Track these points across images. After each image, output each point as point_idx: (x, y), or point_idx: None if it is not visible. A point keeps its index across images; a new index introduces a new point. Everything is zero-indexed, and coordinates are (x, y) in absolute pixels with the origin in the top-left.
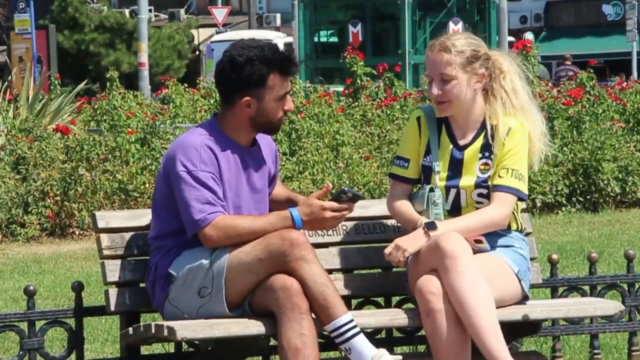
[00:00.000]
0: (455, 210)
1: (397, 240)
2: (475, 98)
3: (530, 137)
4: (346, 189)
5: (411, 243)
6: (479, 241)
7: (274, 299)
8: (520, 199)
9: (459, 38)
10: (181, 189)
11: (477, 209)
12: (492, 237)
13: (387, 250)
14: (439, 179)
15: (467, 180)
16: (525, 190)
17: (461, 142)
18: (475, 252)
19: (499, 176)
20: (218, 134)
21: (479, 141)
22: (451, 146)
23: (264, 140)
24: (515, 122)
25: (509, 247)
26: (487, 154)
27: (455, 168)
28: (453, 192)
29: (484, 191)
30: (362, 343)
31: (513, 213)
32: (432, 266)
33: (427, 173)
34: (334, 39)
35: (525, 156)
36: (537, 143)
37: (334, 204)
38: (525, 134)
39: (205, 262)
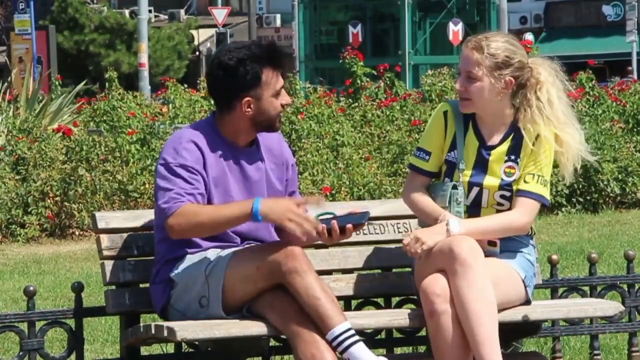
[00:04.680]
0: (474, 208)
1: (416, 232)
2: (502, 102)
3: (564, 150)
4: (339, 216)
5: (431, 237)
6: (492, 243)
7: (279, 320)
8: (542, 205)
9: (497, 40)
10: (156, 181)
11: (497, 210)
12: (502, 241)
13: (405, 241)
14: (463, 175)
15: (492, 180)
16: (548, 196)
17: (488, 142)
18: (485, 254)
19: (525, 181)
20: (212, 134)
21: (506, 144)
22: (478, 144)
23: (273, 145)
24: (544, 130)
25: (517, 252)
26: (513, 157)
27: (481, 167)
28: (475, 190)
29: (507, 193)
30: (360, 351)
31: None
32: (441, 267)
33: (450, 168)
34: (334, 40)
35: (551, 163)
36: (571, 156)
37: (300, 210)
38: (552, 142)
39: (203, 270)
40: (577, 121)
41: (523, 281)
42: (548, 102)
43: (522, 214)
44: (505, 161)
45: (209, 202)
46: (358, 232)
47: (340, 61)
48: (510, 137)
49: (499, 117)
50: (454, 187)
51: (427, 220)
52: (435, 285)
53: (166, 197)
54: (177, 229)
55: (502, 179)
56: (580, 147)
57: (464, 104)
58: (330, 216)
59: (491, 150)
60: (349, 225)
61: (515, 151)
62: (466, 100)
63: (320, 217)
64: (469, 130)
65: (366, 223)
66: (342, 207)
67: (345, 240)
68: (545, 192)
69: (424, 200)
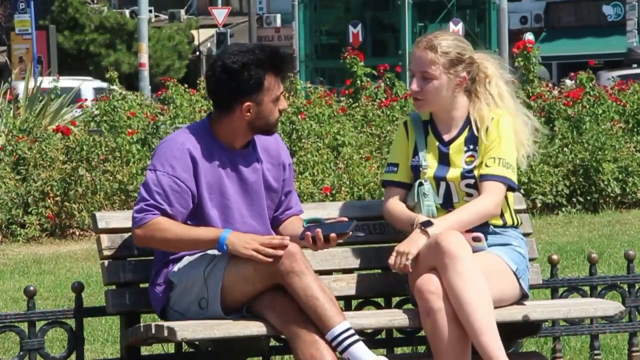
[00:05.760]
0: (447, 204)
1: (397, 248)
2: (456, 98)
3: (517, 136)
4: (325, 223)
5: (412, 246)
6: (477, 239)
7: (278, 321)
8: (510, 188)
9: (446, 38)
10: (141, 185)
11: (467, 202)
12: (490, 235)
13: (390, 261)
14: (427, 172)
15: (454, 172)
16: (514, 178)
17: (446, 138)
18: (472, 250)
19: (486, 165)
20: (207, 137)
21: (463, 135)
22: (437, 143)
23: (270, 145)
24: (499, 112)
25: (506, 245)
26: (472, 146)
27: (442, 162)
28: (443, 185)
29: (471, 181)
30: (360, 351)
31: (508, 207)
32: (431, 265)
33: (416, 173)
34: (334, 40)
35: (512, 146)
36: (522, 144)
37: (269, 249)
38: (511, 124)
39: (202, 271)
40: (527, 110)
41: (515, 274)
42: (499, 96)
43: (488, 197)
44: (465, 152)
45: (201, 207)
46: (343, 240)
47: (341, 61)
48: (467, 128)
49: (454, 111)
50: (420, 184)
51: (404, 227)
52: (429, 283)
53: (140, 205)
54: (142, 240)
55: (463, 168)
56: (530, 139)
57: (419, 104)
58: (318, 223)
59: (450, 144)
60: (333, 235)
61: (472, 140)
62: (421, 101)
63: (308, 224)
64: (429, 133)
65: (351, 232)
66: (341, 207)
67: (346, 240)
68: (510, 174)
69: (398, 209)
